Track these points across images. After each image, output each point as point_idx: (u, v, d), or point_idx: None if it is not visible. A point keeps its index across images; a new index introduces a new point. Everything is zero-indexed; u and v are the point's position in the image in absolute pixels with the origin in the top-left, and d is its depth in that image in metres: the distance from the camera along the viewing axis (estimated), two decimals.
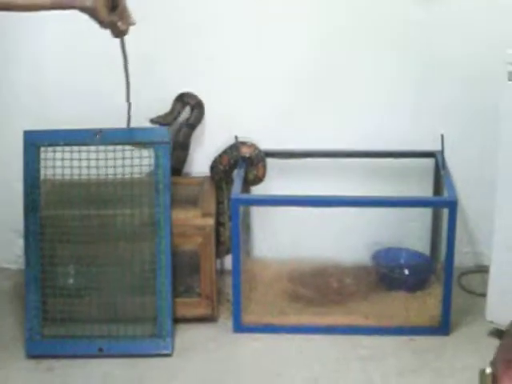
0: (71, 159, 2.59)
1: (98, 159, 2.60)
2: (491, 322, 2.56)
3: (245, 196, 2.83)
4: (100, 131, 2.60)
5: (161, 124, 2.82)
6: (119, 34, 1.98)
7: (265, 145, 2.93)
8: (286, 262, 2.99)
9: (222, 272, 2.94)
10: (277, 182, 2.95)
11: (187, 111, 2.92)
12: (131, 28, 1.99)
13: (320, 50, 2.89)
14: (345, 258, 2.98)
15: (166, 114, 2.87)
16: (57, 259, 2.60)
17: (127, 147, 2.60)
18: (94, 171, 2.61)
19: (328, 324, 2.68)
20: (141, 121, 2.77)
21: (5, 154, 2.97)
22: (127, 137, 2.59)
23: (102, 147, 2.60)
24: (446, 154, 2.83)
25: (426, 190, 2.96)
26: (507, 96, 2.44)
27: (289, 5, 2.85)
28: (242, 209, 2.73)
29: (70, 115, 2.83)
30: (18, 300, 2.77)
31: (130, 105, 2.39)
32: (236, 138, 2.89)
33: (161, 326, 2.58)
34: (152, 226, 2.60)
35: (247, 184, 2.91)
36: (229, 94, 2.94)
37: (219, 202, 2.88)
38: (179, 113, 2.90)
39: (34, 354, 2.56)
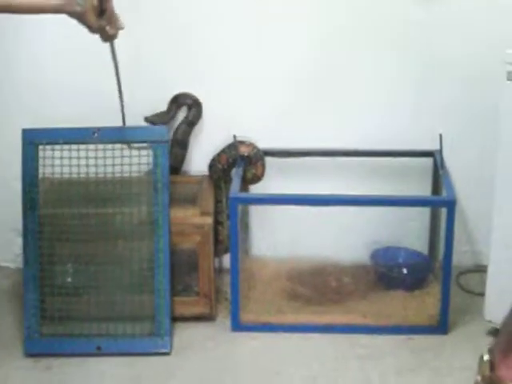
0: (70, 157, 2.60)
1: (96, 158, 2.60)
2: (489, 322, 2.56)
3: (243, 195, 2.83)
4: (98, 130, 2.60)
5: (154, 123, 2.81)
6: (108, 38, 2.01)
7: (263, 144, 2.93)
8: (284, 261, 2.99)
9: (220, 271, 2.94)
10: (275, 180, 2.95)
11: (184, 111, 2.92)
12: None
13: (319, 49, 2.89)
14: (343, 257, 2.98)
15: (162, 114, 2.87)
16: (55, 258, 2.60)
17: (126, 146, 2.60)
18: (92, 170, 2.61)
19: (326, 323, 2.68)
20: (139, 121, 2.78)
21: (3, 153, 2.97)
22: (126, 135, 2.59)
23: (100, 146, 2.60)
24: (445, 154, 2.83)
25: (424, 190, 2.96)
26: (506, 96, 2.44)
27: (289, 5, 2.85)
28: (240, 208, 2.73)
29: (69, 114, 2.83)
30: (16, 299, 2.77)
31: (123, 107, 2.38)
32: (234, 136, 2.89)
33: (159, 325, 2.58)
34: (150, 225, 2.60)
35: (246, 183, 2.91)
36: (227, 93, 2.94)
37: (218, 201, 2.89)
38: (175, 113, 2.90)
39: (32, 353, 2.56)
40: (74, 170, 2.60)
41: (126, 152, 2.60)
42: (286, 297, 2.83)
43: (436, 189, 2.92)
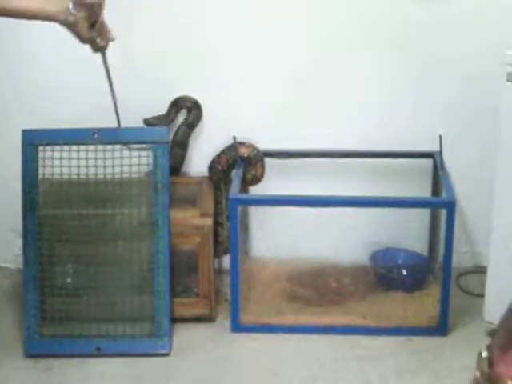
0: (70, 158, 2.59)
1: (96, 158, 2.60)
2: (489, 323, 2.56)
3: (243, 196, 2.83)
4: (98, 130, 2.60)
5: (154, 125, 2.82)
6: (98, 49, 2.05)
7: (263, 145, 2.93)
8: (284, 262, 2.99)
9: (220, 272, 2.94)
10: (275, 182, 2.95)
11: (184, 113, 2.92)
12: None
13: (319, 50, 2.89)
14: (343, 258, 2.98)
15: (162, 116, 2.87)
16: (55, 258, 2.60)
17: (125, 146, 2.60)
18: (92, 170, 2.61)
19: (326, 324, 2.68)
20: (139, 124, 2.79)
21: (3, 153, 2.97)
22: (126, 136, 2.59)
23: (100, 146, 2.60)
24: (445, 155, 2.83)
25: (424, 191, 2.96)
26: (506, 97, 2.44)
27: (289, 5, 2.85)
28: (240, 209, 2.73)
29: (69, 114, 2.83)
30: (16, 299, 2.77)
31: (118, 115, 2.40)
32: (234, 138, 2.89)
33: (159, 326, 2.58)
34: (150, 226, 2.60)
35: (245, 184, 2.91)
36: (227, 93, 2.94)
37: (217, 202, 2.89)
38: (175, 116, 2.90)
39: (32, 354, 2.56)
40: (74, 170, 2.60)
41: (126, 153, 2.60)
42: (286, 298, 2.83)
43: (436, 190, 2.92)
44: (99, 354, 2.56)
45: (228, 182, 2.89)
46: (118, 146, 2.60)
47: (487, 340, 1.06)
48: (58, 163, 2.59)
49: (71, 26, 1.88)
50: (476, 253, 3.05)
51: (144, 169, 2.62)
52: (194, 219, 2.67)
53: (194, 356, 2.57)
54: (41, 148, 2.59)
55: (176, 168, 2.90)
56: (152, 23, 2.86)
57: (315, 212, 2.77)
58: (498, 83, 2.46)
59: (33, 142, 2.58)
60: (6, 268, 3.09)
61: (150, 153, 2.59)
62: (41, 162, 2.59)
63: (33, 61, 2.92)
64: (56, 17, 1.84)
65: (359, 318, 2.71)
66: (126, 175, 2.61)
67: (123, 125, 2.47)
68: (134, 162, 2.60)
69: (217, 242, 2.85)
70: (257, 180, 2.92)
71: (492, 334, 1.04)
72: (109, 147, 2.59)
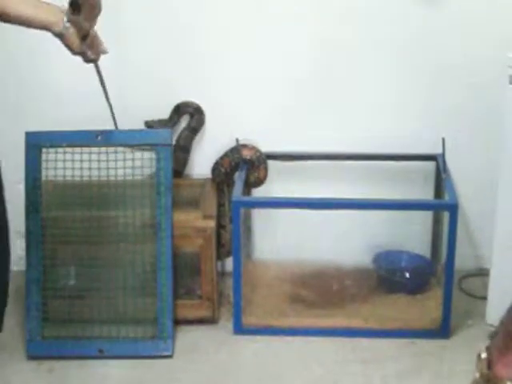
0: (73, 160, 2.60)
1: (99, 160, 2.60)
2: (492, 326, 2.56)
3: (246, 198, 2.84)
4: (102, 133, 2.60)
5: (154, 127, 2.83)
6: (89, 61, 2.08)
7: (266, 147, 2.93)
8: (286, 265, 2.99)
9: (222, 274, 2.94)
10: (278, 184, 2.96)
11: (186, 118, 2.92)
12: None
13: (322, 52, 2.89)
14: (345, 261, 2.98)
15: (164, 121, 2.88)
16: (58, 260, 2.61)
17: (128, 149, 2.60)
18: (95, 173, 2.61)
19: (328, 326, 2.68)
20: (141, 125, 2.79)
21: (6, 155, 2.96)
22: (129, 138, 2.59)
23: (103, 149, 2.60)
24: (448, 158, 2.83)
25: (427, 193, 2.96)
26: (509, 99, 2.44)
27: (289, 5, 2.85)
28: (243, 211, 2.73)
29: (72, 116, 2.83)
30: (18, 301, 2.77)
31: (115, 122, 2.42)
32: (237, 140, 2.89)
33: (161, 328, 2.58)
34: (153, 228, 2.60)
35: (248, 186, 2.91)
36: (230, 96, 2.94)
37: (220, 205, 2.89)
38: (177, 121, 2.90)
39: (34, 355, 2.57)
40: (77, 172, 2.60)
41: (129, 155, 2.60)
42: (288, 300, 2.83)
43: (438, 192, 2.92)
44: (102, 355, 2.56)
45: (231, 184, 2.89)
46: (121, 148, 2.60)
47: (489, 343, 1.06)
48: (61, 165, 2.59)
49: (63, 38, 1.93)
50: (479, 255, 3.04)
51: (147, 171, 2.62)
52: (197, 221, 2.67)
53: (196, 358, 2.57)
54: (44, 150, 2.59)
55: (179, 171, 2.90)
56: (153, 26, 2.87)
57: (318, 214, 2.77)
58: (501, 86, 2.46)
59: (36, 143, 2.59)
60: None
61: (153, 155, 2.59)
62: (44, 164, 2.59)
63: (37, 63, 2.92)
64: (48, 26, 1.90)
65: (362, 321, 2.71)
66: (129, 177, 2.61)
67: (124, 127, 2.47)
68: (137, 164, 2.60)
69: (219, 244, 2.85)
70: (260, 182, 2.92)
71: (492, 336, 1.05)
72: (112, 149, 2.60)
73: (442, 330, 2.64)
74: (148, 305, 2.60)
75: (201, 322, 2.72)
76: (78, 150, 2.60)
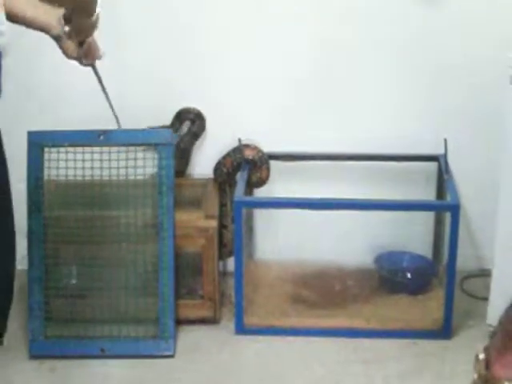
0: (75, 160, 2.60)
1: (101, 160, 2.60)
2: (493, 326, 2.55)
3: (248, 198, 2.84)
4: (104, 132, 2.60)
5: None
6: (85, 65, 2.14)
7: (268, 147, 2.93)
8: (288, 265, 2.99)
9: (224, 274, 2.95)
10: (280, 184, 2.96)
11: (187, 124, 2.92)
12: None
13: (323, 52, 2.89)
14: (347, 261, 2.98)
15: (166, 127, 2.88)
16: (60, 260, 2.61)
17: (131, 148, 2.60)
18: (97, 172, 2.61)
19: (330, 326, 2.68)
20: (141, 126, 2.79)
21: (8, 154, 2.96)
22: (131, 138, 2.59)
23: (105, 148, 2.61)
24: (450, 158, 2.83)
25: (429, 194, 2.96)
26: (510, 99, 2.44)
27: (289, 5, 2.85)
28: (245, 211, 2.73)
29: (74, 116, 2.83)
30: (21, 300, 2.77)
31: (118, 122, 2.45)
32: (239, 140, 2.89)
33: (163, 328, 2.59)
34: (155, 228, 2.60)
35: (250, 186, 2.92)
36: (231, 96, 2.94)
37: (222, 205, 2.89)
38: (179, 127, 2.91)
39: (36, 355, 2.57)
40: (79, 172, 2.61)
41: (131, 154, 2.60)
42: (290, 300, 2.83)
43: (440, 193, 2.92)
44: (103, 355, 2.56)
45: (233, 184, 2.89)
46: (123, 148, 2.60)
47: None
48: (63, 165, 2.60)
49: (60, 42, 1.98)
50: (480, 256, 3.04)
51: (149, 171, 2.62)
52: (199, 221, 2.67)
53: (198, 358, 2.57)
54: (46, 149, 2.59)
55: (181, 171, 2.90)
56: (155, 28, 2.87)
57: (320, 214, 2.77)
58: (502, 86, 2.46)
59: (38, 143, 2.59)
60: None
61: (155, 154, 2.59)
62: (46, 164, 2.59)
63: (38, 63, 2.92)
64: (49, 28, 1.95)
65: (363, 321, 2.71)
66: (130, 177, 2.61)
67: (127, 126, 2.48)
68: (139, 164, 2.60)
69: (221, 244, 2.85)
70: (262, 182, 2.92)
71: (492, 336, 1.05)
72: (114, 149, 2.60)
73: (444, 330, 2.64)
74: (150, 304, 2.60)
75: (202, 321, 2.72)
76: (80, 149, 2.60)
